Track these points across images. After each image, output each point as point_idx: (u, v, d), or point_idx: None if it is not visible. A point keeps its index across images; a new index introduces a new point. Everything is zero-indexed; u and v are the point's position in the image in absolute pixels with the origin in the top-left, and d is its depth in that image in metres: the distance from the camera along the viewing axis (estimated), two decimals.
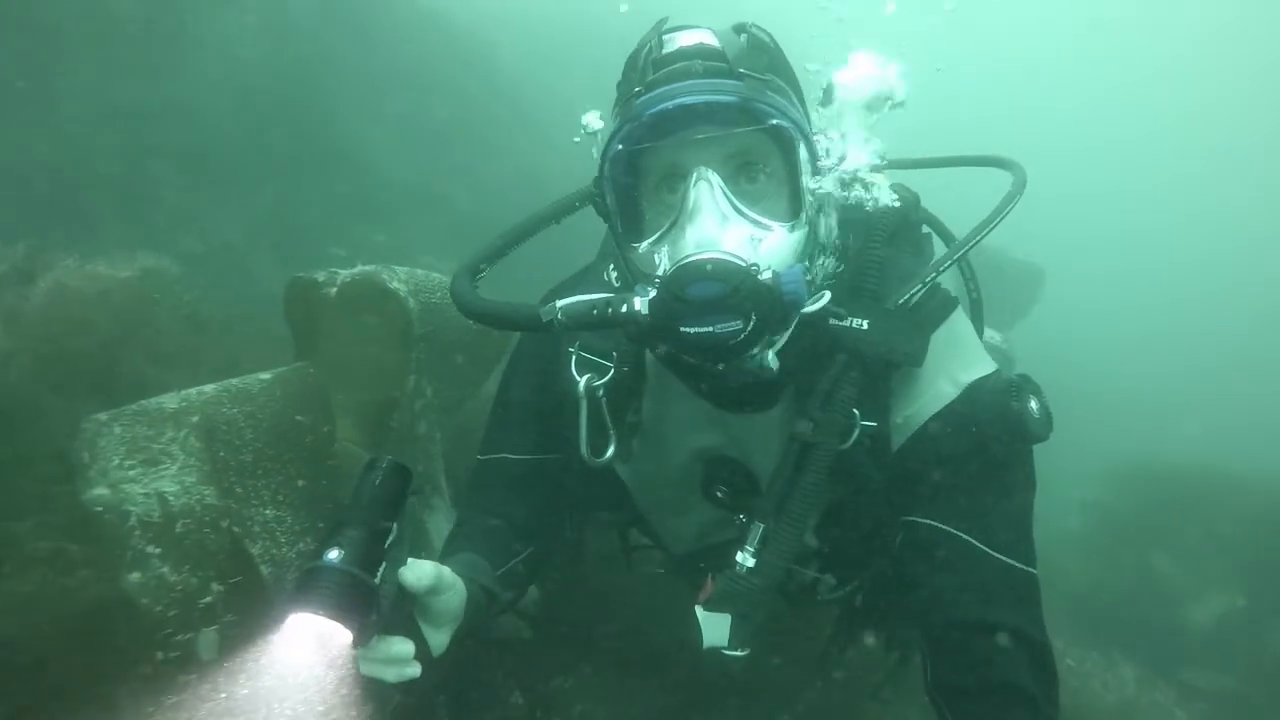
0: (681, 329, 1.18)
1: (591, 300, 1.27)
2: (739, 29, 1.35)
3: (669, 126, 1.25)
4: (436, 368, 2.29)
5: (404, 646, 1.16)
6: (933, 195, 1.75)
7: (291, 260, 4.03)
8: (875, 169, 1.61)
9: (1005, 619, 1.34)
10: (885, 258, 1.47)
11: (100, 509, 1.50)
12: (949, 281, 1.58)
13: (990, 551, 1.37)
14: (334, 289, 1.99)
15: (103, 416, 1.67)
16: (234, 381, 1.87)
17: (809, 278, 1.29)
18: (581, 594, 2.27)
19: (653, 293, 1.21)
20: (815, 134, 1.41)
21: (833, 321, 1.36)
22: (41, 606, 1.69)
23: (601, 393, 1.48)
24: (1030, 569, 1.39)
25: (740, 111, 1.23)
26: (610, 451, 1.50)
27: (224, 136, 4.04)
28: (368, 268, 2.05)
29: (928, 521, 1.40)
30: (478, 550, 1.56)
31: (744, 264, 1.16)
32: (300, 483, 1.86)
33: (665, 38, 1.34)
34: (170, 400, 1.76)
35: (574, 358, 1.49)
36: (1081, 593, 3.42)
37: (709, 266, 1.15)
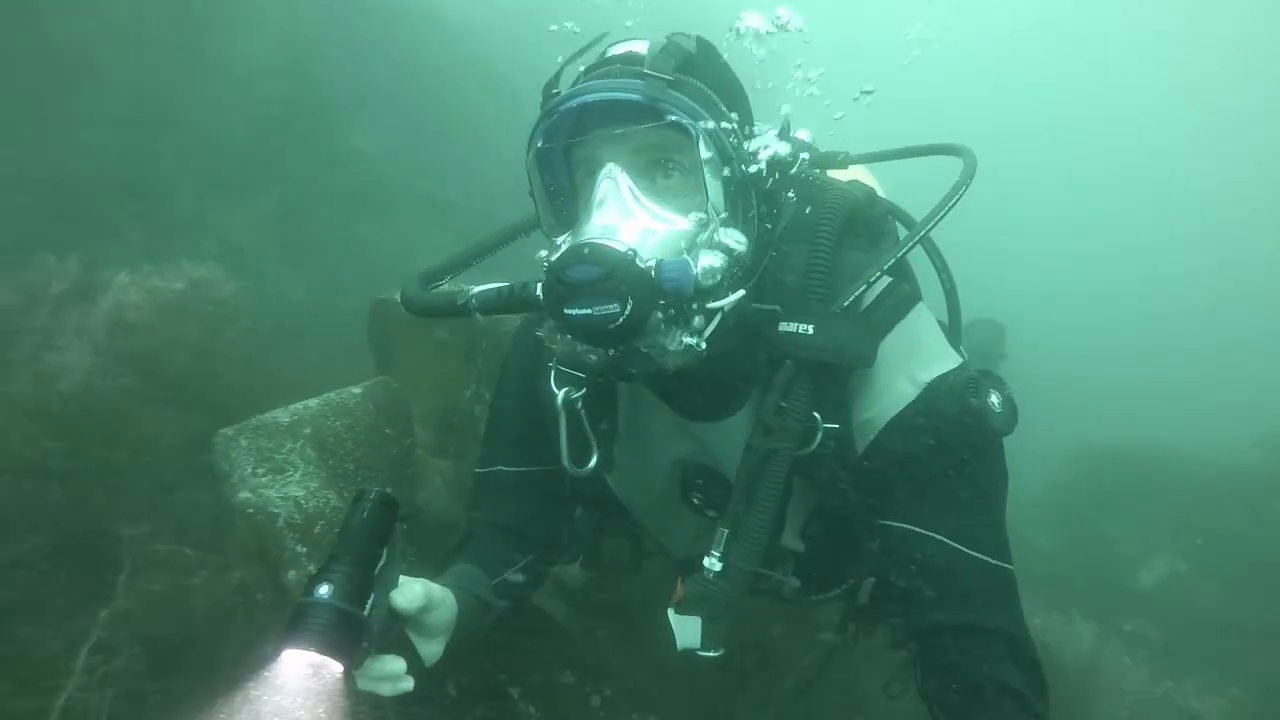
0: (565, 310, 1.20)
1: (500, 286, 1.36)
2: (674, 37, 1.39)
3: (584, 125, 1.31)
4: (494, 378, 2.52)
5: (396, 665, 1.21)
6: (919, 188, 1.74)
7: (302, 263, 4.16)
8: (831, 166, 1.69)
9: (985, 619, 1.35)
10: (831, 258, 1.44)
11: (251, 510, 1.70)
12: (923, 275, 1.65)
13: (965, 550, 1.38)
14: None
15: (229, 431, 1.88)
16: (332, 396, 2.09)
17: (703, 271, 1.25)
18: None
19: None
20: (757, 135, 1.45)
21: (781, 327, 1.37)
22: (174, 605, 1.89)
23: (580, 405, 1.49)
24: (1006, 564, 1.40)
25: (641, 109, 1.26)
26: (592, 462, 1.52)
27: (230, 145, 4.12)
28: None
29: (901, 525, 1.42)
30: (475, 560, 1.61)
31: (622, 249, 1.18)
32: (389, 490, 2.08)
33: (607, 50, 1.41)
34: (283, 415, 1.98)
35: (553, 372, 1.51)
36: (1043, 561, 3.84)
37: (586, 250, 1.18)
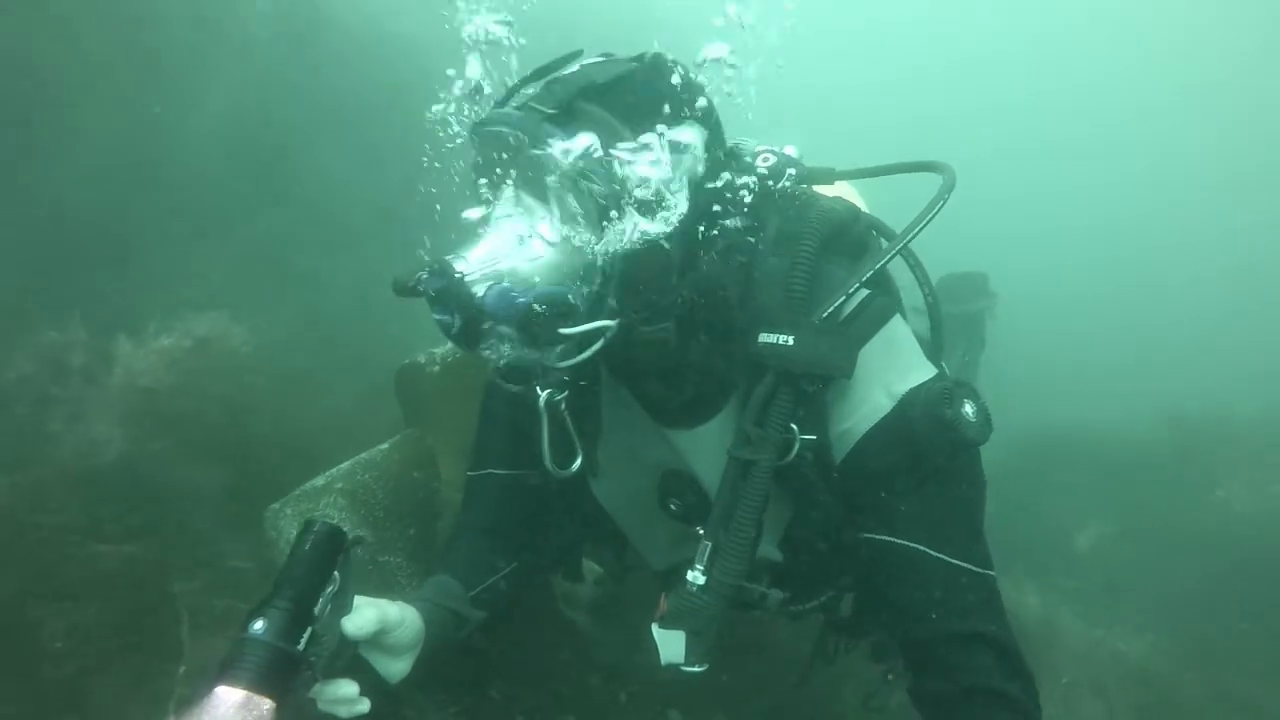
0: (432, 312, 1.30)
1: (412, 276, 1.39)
2: (635, 56, 1.43)
3: (487, 144, 1.36)
4: None
5: (349, 689, 1.26)
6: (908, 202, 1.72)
7: (279, 297, 4.25)
8: (818, 182, 1.71)
9: (972, 627, 1.38)
10: (811, 271, 1.45)
11: None
12: (905, 290, 1.69)
13: (948, 559, 1.40)
14: (437, 366, 2.42)
15: (277, 505, 2.10)
16: (363, 455, 2.29)
17: (539, 296, 1.28)
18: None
19: None
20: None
21: (761, 338, 1.39)
22: None
23: (564, 406, 1.50)
24: (987, 571, 1.43)
25: (517, 141, 1.30)
26: (576, 464, 1.54)
27: (198, 190, 4.17)
28: None
29: (882, 537, 1.44)
30: (454, 571, 1.65)
31: (455, 273, 1.25)
32: (411, 531, 2.28)
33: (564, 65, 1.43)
34: (320, 479, 2.18)
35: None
36: (992, 531, 4.24)
37: (435, 265, 1.27)
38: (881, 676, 2.01)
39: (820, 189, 1.71)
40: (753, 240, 1.50)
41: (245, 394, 2.75)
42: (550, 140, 1.27)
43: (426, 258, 1.31)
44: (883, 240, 1.73)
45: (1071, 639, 3.39)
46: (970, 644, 1.37)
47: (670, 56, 1.42)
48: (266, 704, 1.12)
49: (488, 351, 1.32)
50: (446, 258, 1.27)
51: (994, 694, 1.34)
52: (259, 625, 1.14)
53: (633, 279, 1.33)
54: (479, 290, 1.26)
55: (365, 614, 1.29)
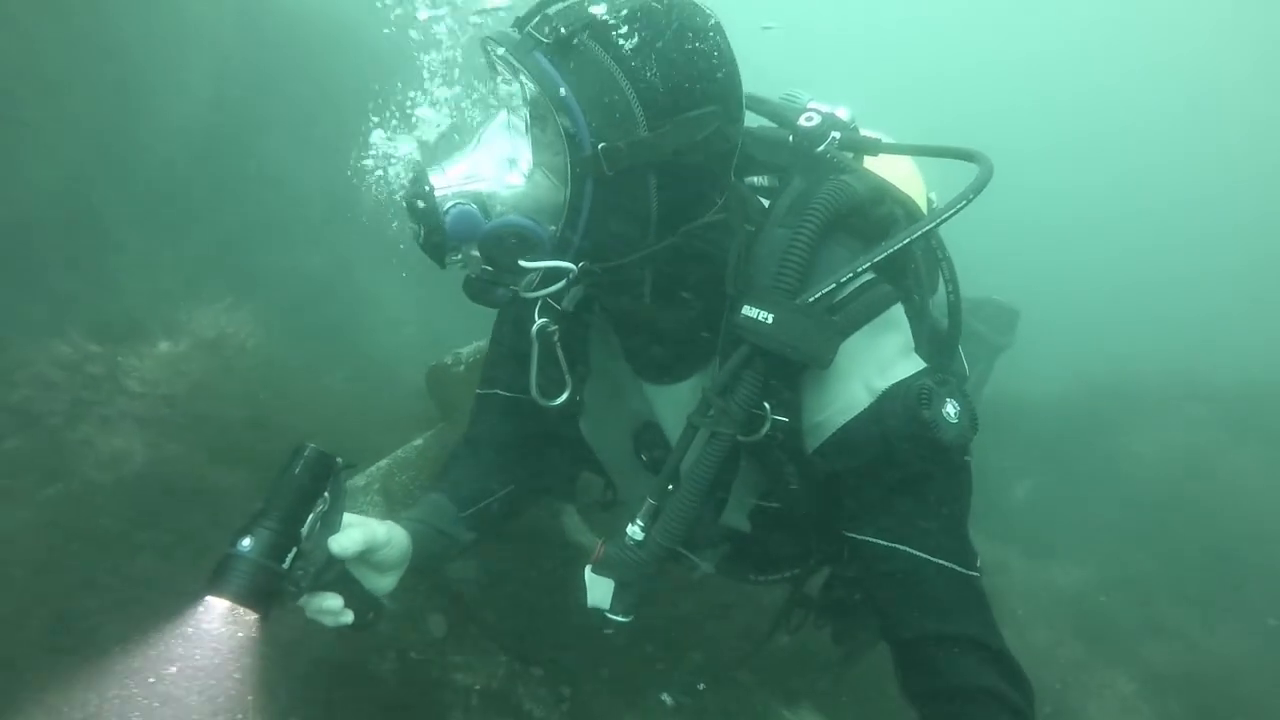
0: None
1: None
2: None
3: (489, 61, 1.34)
4: None
5: (333, 602, 1.32)
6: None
7: (260, 293, 4.23)
8: (861, 151, 1.63)
9: (958, 629, 1.35)
10: (809, 249, 1.35)
11: None
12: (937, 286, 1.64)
13: (930, 559, 1.35)
14: (462, 366, 2.55)
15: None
16: (399, 453, 2.41)
17: (501, 226, 1.27)
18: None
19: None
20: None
21: (744, 310, 1.31)
22: (302, 647, 2.04)
23: (555, 338, 1.48)
24: (971, 572, 1.38)
25: (510, 64, 1.26)
26: (563, 397, 1.52)
27: (162, 183, 4.09)
28: (482, 343, 2.61)
29: (864, 538, 1.40)
30: (448, 492, 1.67)
31: (428, 185, 1.28)
32: None
33: None
34: (360, 479, 2.29)
35: (539, 302, 1.46)
36: None
37: (413, 174, 1.31)
38: (838, 658, 2.04)
39: (869, 161, 1.64)
40: (767, 204, 1.44)
41: (260, 392, 2.81)
42: (533, 71, 1.22)
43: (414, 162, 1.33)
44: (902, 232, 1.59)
45: (1019, 577, 3.84)
46: (958, 646, 1.34)
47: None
48: (251, 616, 1.19)
49: (458, 265, 1.35)
50: (427, 169, 1.30)
51: (990, 694, 1.32)
52: (246, 542, 1.19)
53: (603, 225, 1.28)
54: (445, 207, 1.28)
55: (351, 534, 1.33)
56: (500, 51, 1.26)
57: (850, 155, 1.60)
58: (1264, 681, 3.37)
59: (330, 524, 1.31)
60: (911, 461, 1.33)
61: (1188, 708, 3.20)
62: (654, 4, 1.25)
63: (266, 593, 1.20)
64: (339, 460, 1.31)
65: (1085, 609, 3.73)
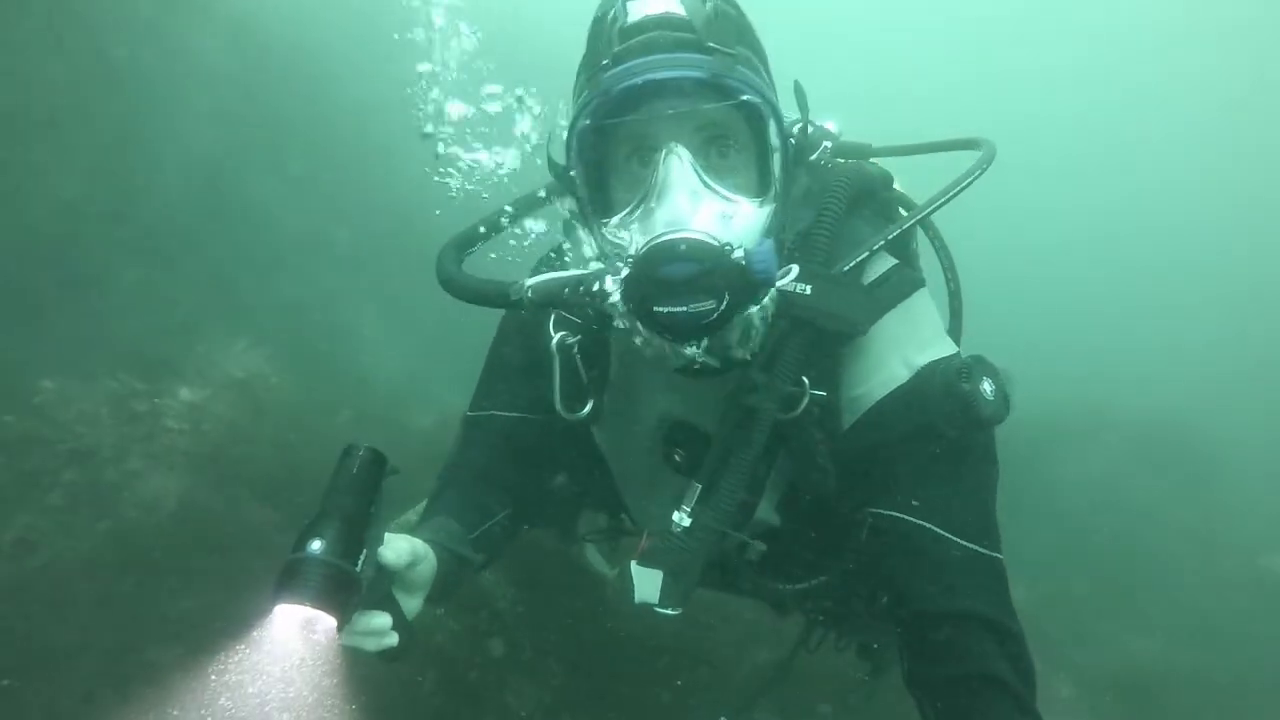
0: (655, 309, 1.17)
1: (562, 279, 1.30)
2: None
3: (638, 101, 1.23)
4: None
5: (382, 620, 1.21)
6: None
7: (266, 328, 4.30)
8: (852, 157, 1.69)
9: (973, 608, 1.33)
10: (836, 224, 1.41)
11: None
12: (928, 273, 1.64)
13: (954, 539, 1.35)
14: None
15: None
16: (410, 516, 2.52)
17: (778, 253, 1.27)
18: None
19: (625, 271, 1.21)
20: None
21: (779, 285, 1.31)
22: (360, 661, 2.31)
23: (576, 350, 1.48)
24: (995, 554, 1.38)
25: (710, 87, 1.21)
26: (587, 408, 1.49)
27: (155, 218, 4.15)
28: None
29: (889, 513, 1.39)
30: (453, 514, 1.57)
31: (717, 243, 1.16)
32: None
33: (629, 5, 1.28)
34: (411, 514, 2.26)
35: (553, 316, 1.51)
36: None
37: (683, 246, 1.15)
38: (861, 677, 2.04)
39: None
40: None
41: (288, 433, 2.94)
42: (750, 87, 1.22)
43: (634, 243, 1.21)
44: (904, 213, 1.66)
45: None
46: (973, 626, 1.33)
47: None
48: (329, 622, 1.08)
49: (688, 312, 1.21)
50: (688, 235, 1.16)
51: (992, 679, 1.29)
52: (317, 544, 1.09)
53: (789, 212, 1.35)
54: (737, 256, 1.17)
55: (399, 545, 1.25)
56: (699, 76, 1.19)
57: (840, 161, 1.66)
58: (1177, 678, 3.89)
59: (374, 537, 1.19)
60: (948, 436, 1.34)
61: (1118, 705, 3.66)
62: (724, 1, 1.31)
63: (344, 596, 1.10)
64: (389, 461, 1.21)
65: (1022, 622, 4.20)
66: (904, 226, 1.47)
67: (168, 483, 2.60)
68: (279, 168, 5.24)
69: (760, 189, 1.30)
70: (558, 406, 1.51)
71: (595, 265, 1.34)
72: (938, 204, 1.49)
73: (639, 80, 1.20)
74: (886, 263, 1.47)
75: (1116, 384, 7.17)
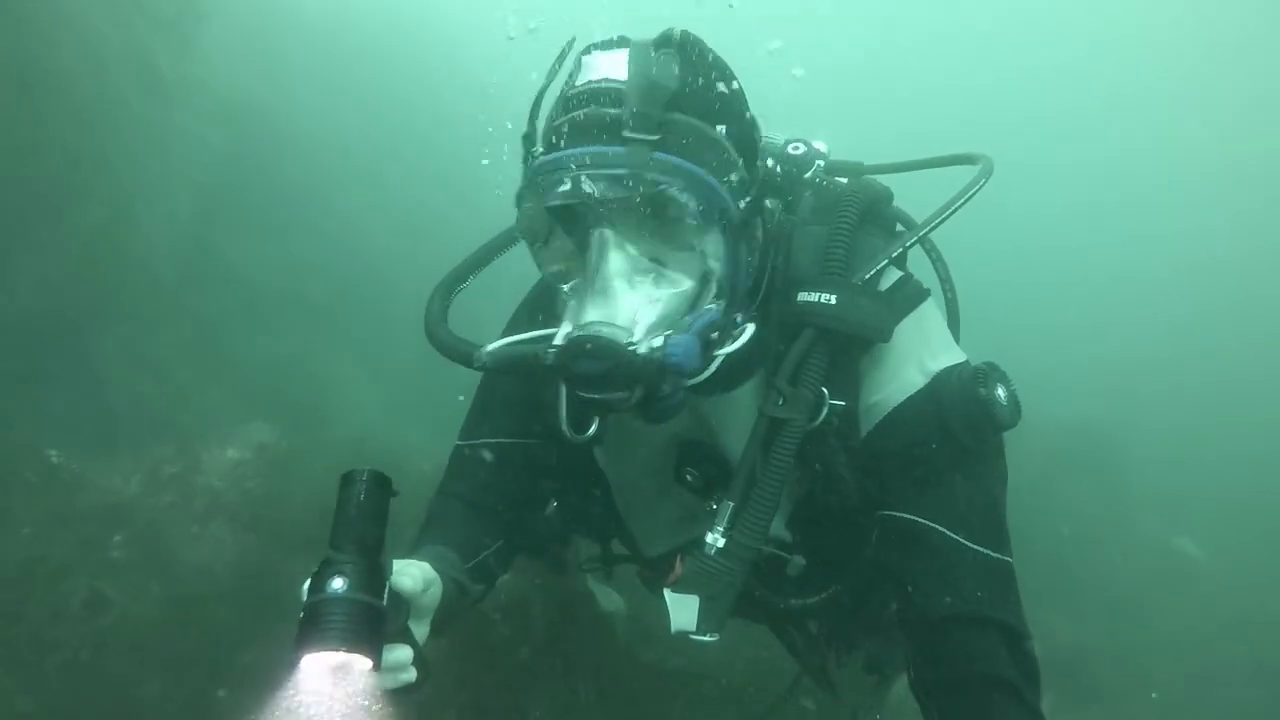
0: (579, 393, 1.25)
1: (518, 347, 1.34)
2: (662, 43, 1.31)
3: (570, 191, 1.24)
4: None
5: (404, 653, 1.16)
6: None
7: (258, 389, 4.52)
8: (845, 175, 1.75)
9: (983, 610, 1.33)
10: (851, 237, 1.45)
11: None
12: (925, 280, 1.63)
13: (965, 542, 1.35)
14: None
15: None
16: None
17: (707, 331, 1.26)
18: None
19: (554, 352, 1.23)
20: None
21: (800, 296, 1.36)
22: None
23: None
24: (1005, 558, 1.38)
25: (634, 180, 1.21)
26: (593, 429, 1.48)
27: (145, 281, 4.35)
28: None
29: (902, 515, 1.40)
30: (449, 543, 1.54)
31: (622, 342, 1.18)
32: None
33: (584, 61, 1.31)
34: None
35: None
36: None
37: (588, 345, 1.18)
38: (872, 688, 2.04)
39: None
40: (791, 216, 1.53)
41: (318, 495, 3.19)
42: (667, 174, 1.21)
43: (565, 326, 1.24)
44: (902, 229, 1.69)
45: None
46: (981, 629, 1.33)
47: (692, 34, 1.35)
48: (364, 664, 1.01)
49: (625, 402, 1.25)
50: (594, 334, 1.19)
51: (998, 682, 1.30)
52: (338, 583, 1.00)
53: (743, 268, 1.35)
54: (655, 352, 1.19)
55: (413, 570, 1.23)
56: (616, 173, 1.20)
57: (832, 179, 1.72)
58: (1097, 653, 4.40)
59: (388, 563, 1.13)
60: (963, 439, 1.37)
61: (1050, 685, 4.14)
62: (672, 52, 1.29)
63: (376, 634, 1.03)
64: (392, 482, 1.13)
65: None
66: (919, 237, 1.52)
67: (210, 542, 2.88)
68: (258, 231, 5.49)
69: (702, 261, 1.30)
70: (564, 428, 1.50)
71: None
72: (944, 216, 1.54)
73: (562, 181, 1.23)
74: (894, 274, 1.51)
75: (1039, 394, 7.77)
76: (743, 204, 1.31)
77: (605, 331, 1.20)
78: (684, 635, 1.41)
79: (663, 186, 1.22)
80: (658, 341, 1.21)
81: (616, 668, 2.53)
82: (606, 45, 1.31)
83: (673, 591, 1.40)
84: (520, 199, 1.31)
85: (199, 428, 3.36)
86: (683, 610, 1.39)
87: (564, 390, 1.48)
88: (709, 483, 1.54)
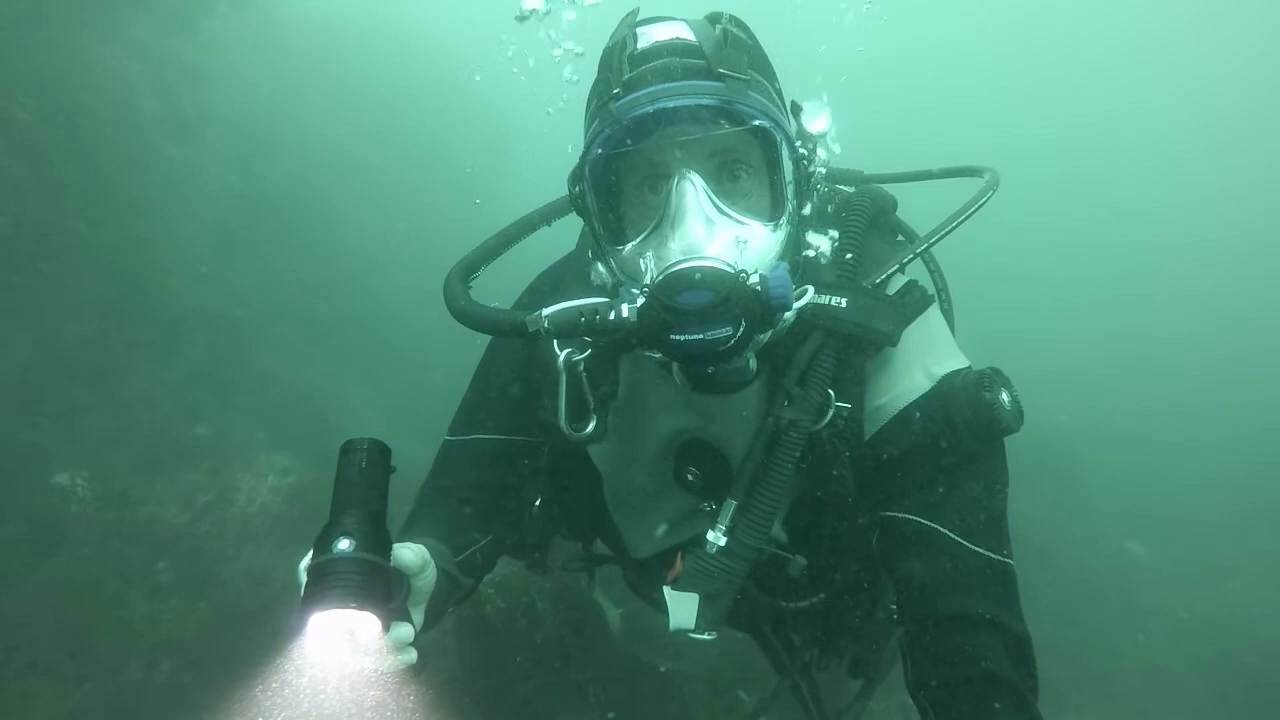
0: (672, 336, 1.17)
1: (579, 307, 1.25)
2: (714, 19, 1.33)
3: (649, 129, 1.23)
4: None
5: (406, 630, 1.13)
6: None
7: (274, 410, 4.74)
8: (845, 183, 1.74)
9: (983, 611, 1.33)
10: (863, 240, 1.47)
11: None
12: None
13: (966, 544, 1.35)
14: None
15: None
16: None
17: (792, 275, 1.27)
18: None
19: (641, 300, 1.20)
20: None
21: (813, 299, 1.35)
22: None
23: (582, 367, 1.46)
24: (1006, 559, 1.38)
25: (721, 113, 1.21)
26: (591, 426, 1.47)
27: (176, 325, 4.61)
28: None
29: (904, 515, 1.40)
30: (437, 536, 1.50)
31: (733, 270, 1.16)
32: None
33: (639, 31, 1.30)
34: None
35: None
36: None
37: (698, 275, 1.15)
38: (856, 691, 2.04)
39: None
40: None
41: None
42: (762, 113, 1.22)
43: (649, 271, 1.21)
44: (901, 239, 1.72)
45: None
46: (981, 629, 1.33)
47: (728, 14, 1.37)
48: (371, 622, 1.00)
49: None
50: (702, 263, 1.16)
51: (996, 681, 1.30)
52: (345, 543, 1.00)
53: (802, 232, 1.38)
54: (760, 283, 1.18)
55: (412, 548, 1.21)
56: (707, 103, 1.20)
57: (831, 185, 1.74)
58: (1052, 653, 4.77)
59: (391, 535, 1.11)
60: (967, 441, 1.37)
61: None
62: (739, 25, 1.34)
63: (383, 592, 1.02)
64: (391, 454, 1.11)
65: None
66: (930, 244, 1.53)
67: (246, 564, 3.17)
68: (271, 258, 5.76)
69: (774, 212, 1.30)
70: (562, 425, 1.49)
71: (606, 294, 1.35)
72: (953, 226, 1.55)
73: (650, 109, 1.20)
74: (900, 279, 1.51)
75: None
76: (806, 164, 1.34)
77: (712, 261, 1.18)
78: (682, 633, 1.44)
79: (759, 121, 1.22)
80: (755, 276, 1.20)
81: (618, 668, 2.82)
82: (657, 19, 1.33)
83: (672, 589, 1.43)
84: (591, 145, 1.27)
85: (225, 454, 3.63)
86: (682, 608, 1.41)
87: (564, 385, 1.48)
88: (709, 483, 1.53)
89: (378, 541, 1.04)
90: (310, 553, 1.04)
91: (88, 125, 4.05)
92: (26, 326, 3.73)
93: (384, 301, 6.50)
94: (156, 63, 4.84)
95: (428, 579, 1.26)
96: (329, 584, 0.97)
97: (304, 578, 1.05)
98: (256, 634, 2.92)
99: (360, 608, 0.98)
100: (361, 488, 1.07)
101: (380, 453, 1.09)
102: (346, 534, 1.01)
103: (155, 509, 3.23)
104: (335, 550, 0.99)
